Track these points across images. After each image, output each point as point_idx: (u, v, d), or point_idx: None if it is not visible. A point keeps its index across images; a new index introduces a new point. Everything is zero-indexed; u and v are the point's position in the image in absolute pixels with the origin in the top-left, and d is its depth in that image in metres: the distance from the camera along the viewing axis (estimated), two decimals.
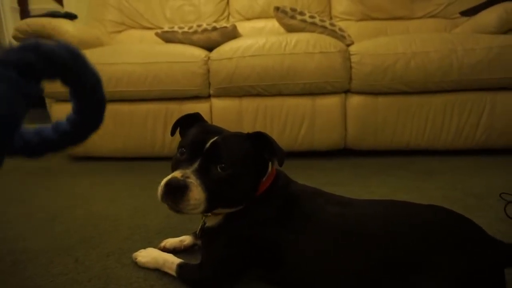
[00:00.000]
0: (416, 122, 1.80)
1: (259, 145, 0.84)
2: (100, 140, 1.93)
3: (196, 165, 0.77)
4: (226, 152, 0.78)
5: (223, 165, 0.77)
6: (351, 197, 0.88)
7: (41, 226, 1.22)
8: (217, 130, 0.87)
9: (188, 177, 0.74)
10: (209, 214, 0.89)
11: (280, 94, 1.82)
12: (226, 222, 0.86)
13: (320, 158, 1.88)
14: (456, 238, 0.72)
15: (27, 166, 1.95)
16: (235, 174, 0.78)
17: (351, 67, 1.77)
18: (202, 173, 0.76)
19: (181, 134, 0.95)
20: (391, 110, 1.80)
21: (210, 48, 1.98)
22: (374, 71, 1.73)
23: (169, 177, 0.75)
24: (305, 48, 1.77)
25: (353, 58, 1.77)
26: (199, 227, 0.92)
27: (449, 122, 1.79)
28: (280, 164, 0.83)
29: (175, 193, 0.73)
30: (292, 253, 0.80)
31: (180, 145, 0.84)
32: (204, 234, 0.90)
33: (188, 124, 0.92)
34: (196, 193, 0.74)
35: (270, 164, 0.89)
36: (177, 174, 0.75)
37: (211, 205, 0.77)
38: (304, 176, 1.59)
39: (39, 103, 2.74)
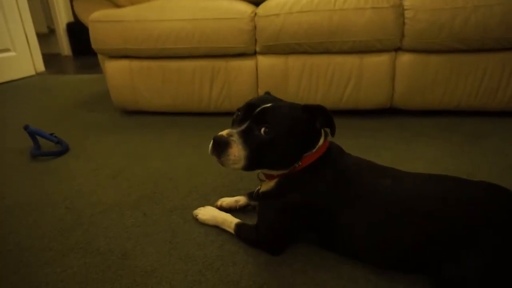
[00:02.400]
0: (470, 82, 1.73)
1: (312, 115, 0.89)
2: (150, 96, 2.02)
3: (243, 126, 0.86)
4: (272, 118, 0.85)
5: (267, 129, 0.84)
6: (404, 171, 0.91)
7: (108, 182, 1.36)
8: (274, 100, 0.92)
9: (231, 136, 0.84)
10: (264, 179, 0.97)
11: (327, 52, 1.78)
12: (278, 188, 0.93)
13: (365, 117, 1.87)
14: (505, 218, 0.74)
15: (84, 122, 2.09)
16: (277, 138, 0.84)
17: (404, 24, 1.69)
18: (246, 134, 0.84)
19: None
20: (444, 69, 1.73)
21: (256, 1, 1.93)
22: (429, 28, 1.65)
23: (217, 134, 0.85)
24: (356, 3, 1.69)
25: (407, 14, 1.67)
26: (256, 191, 1.00)
27: (506, 82, 1.70)
28: (333, 134, 0.90)
29: (218, 148, 0.83)
30: (344, 222, 0.86)
31: (238, 109, 0.92)
32: (259, 198, 0.98)
33: None
34: (236, 150, 0.83)
35: (322, 136, 0.93)
36: (224, 132, 0.85)
37: (251, 163, 0.85)
38: (349, 135, 1.62)
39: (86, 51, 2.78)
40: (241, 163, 0.84)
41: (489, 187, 0.82)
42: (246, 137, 0.84)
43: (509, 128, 1.66)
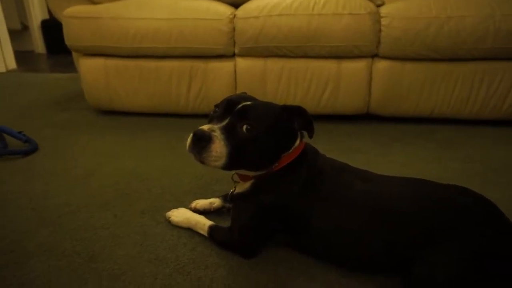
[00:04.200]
0: (443, 90, 1.77)
1: (291, 116, 0.88)
2: (125, 96, 1.97)
3: (224, 122, 0.83)
4: (255, 115, 0.83)
5: (249, 126, 0.82)
6: (377, 173, 0.92)
7: (79, 182, 1.31)
8: (253, 98, 0.91)
9: (213, 131, 0.80)
10: (239, 181, 0.95)
11: (305, 56, 1.79)
12: (253, 190, 0.91)
13: (342, 122, 1.89)
14: (473, 219, 0.76)
15: (56, 120, 2.02)
16: (259, 136, 0.82)
17: (380, 31, 1.72)
18: (228, 130, 0.81)
19: None
20: (418, 77, 1.76)
21: (236, 3, 1.93)
22: (404, 36, 1.68)
23: (198, 128, 0.80)
24: (334, 8, 1.71)
25: (383, 21, 1.71)
26: (230, 193, 0.99)
27: (477, 91, 1.75)
28: (311, 136, 0.89)
29: (200, 143, 0.79)
30: (317, 223, 0.86)
31: (216, 105, 0.90)
32: (233, 200, 0.96)
33: None
34: (218, 146, 0.79)
35: (299, 137, 0.92)
36: (205, 127, 0.81)
37: (231, 161, 0.82)
38: (325, 140, 1.63)
39: (61, 49, 2.72)
40: (222, 160, 0.81)
41: (459, 189, 0.83)
42: (228, 134, 0.81)
43: (478, 136, 1.71)
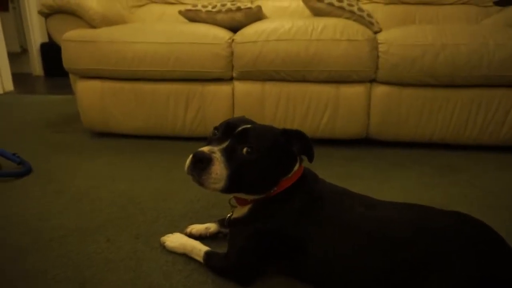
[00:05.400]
0: (441, 116, 1.78)
1: (291, 140, 0.88)
2: (122, 118, 1.96)
3: (224, 144, 0.82)
4: (255, 138, 0.82)
5: (249, 149, 0.81)
6: (377, 199, 0.90)
7: (71, 205, 1.27)
8: (252, 122, 0.91)
9: (214, 153, 0.79)
10: (236, 205, 0.93)
11: (304, 80, 1.80)
12: (251, 215, 0.89)
13: (340, 147, 1.88)
14: (473, 245, 0.73)
15: (50, 142, 2.00)
16: (259, 160, 0.81)
17: (378, 57, 1.74)
18: (228, 153, 0.80)
19: None
20: (416, 102, 1.77)
21: (234, 28, 1.95)
22: (401, 62, 1.70)
23: (198, 150, 0.79)
24: (332, 34, 1.73)
25: (381, 48, 1.73)
26: (227, 217, 0.96)
27: (474, 117, 1.76)
28: (311, 160, 0.88)
29: (200, 164, 0.77)
30: (316, 250, 0.83)
31: (215, 127, 0.89)
32: (231, 225, 0.93)
33: None
34: (218, 168, 0.78)
35: (298, 161, 0.91)
36: (205, 149, 0.80)
37: (231, 184, 0.80)
38: (324, 165, 1.60)
39: (59, 72, 2.73)
40: (222, 183, 0.79)
41: (459, 216, 0.81)
42: (229, 156, 0.80)
43: (478, 161, 1.70)
